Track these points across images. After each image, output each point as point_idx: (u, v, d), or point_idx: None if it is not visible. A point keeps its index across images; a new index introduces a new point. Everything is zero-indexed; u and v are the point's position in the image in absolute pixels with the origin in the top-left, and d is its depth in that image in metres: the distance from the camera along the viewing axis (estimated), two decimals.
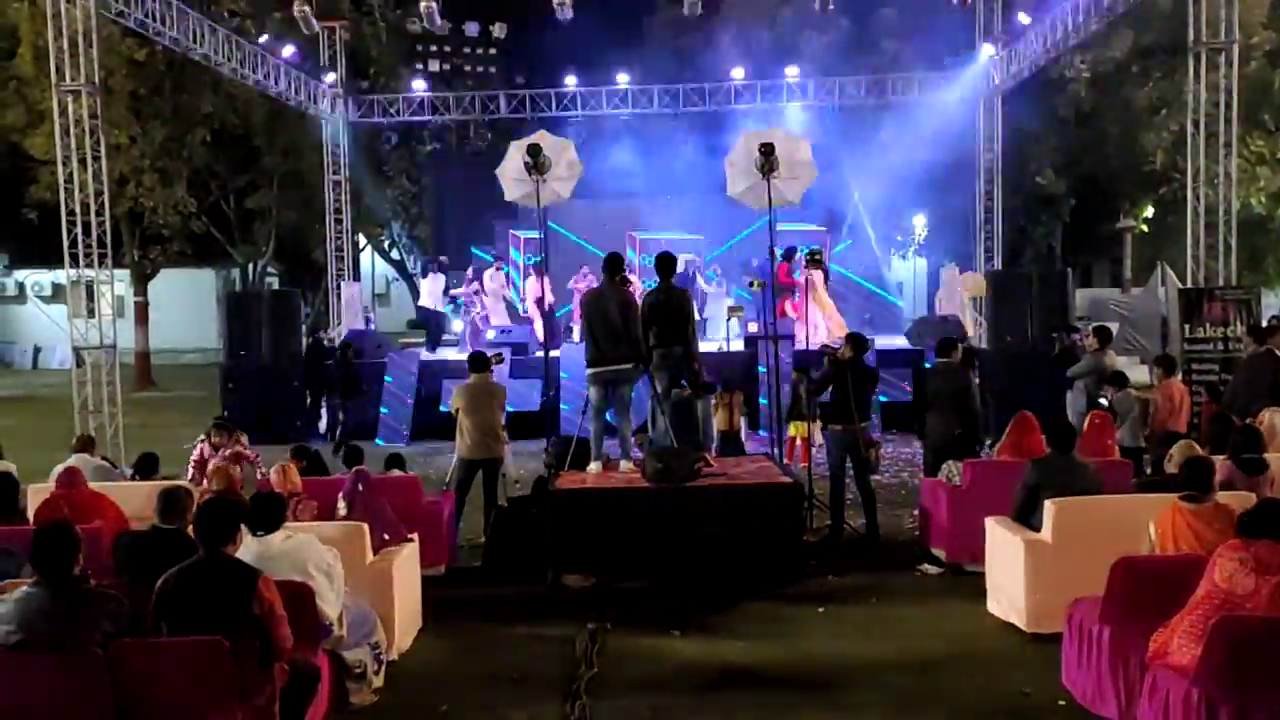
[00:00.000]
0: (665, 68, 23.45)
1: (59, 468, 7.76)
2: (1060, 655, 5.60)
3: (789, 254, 16.53)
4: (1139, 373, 15.25)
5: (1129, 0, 14.64)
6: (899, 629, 6.73)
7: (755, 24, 25.28)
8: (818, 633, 6.68)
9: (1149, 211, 29.08)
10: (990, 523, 7.08)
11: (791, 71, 21.60)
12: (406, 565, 6.68)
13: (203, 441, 9.80)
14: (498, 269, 19.70)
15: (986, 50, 19.79)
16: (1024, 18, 18.48)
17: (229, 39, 17.54)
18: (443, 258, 20.64)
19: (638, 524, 7.74)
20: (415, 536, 7.09)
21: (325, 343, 17.91)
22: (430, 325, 19.22)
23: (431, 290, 19.15)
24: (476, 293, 18.91)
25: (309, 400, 16.41)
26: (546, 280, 15.57)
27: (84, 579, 4.32)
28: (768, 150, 9.37)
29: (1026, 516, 6.73)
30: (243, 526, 4.89)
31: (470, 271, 19.66)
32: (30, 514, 7.06)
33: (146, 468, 8.66)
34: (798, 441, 11.98)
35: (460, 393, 9.26)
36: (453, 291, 19.31)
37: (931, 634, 6.61)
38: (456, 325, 20.39)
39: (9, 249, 35.40)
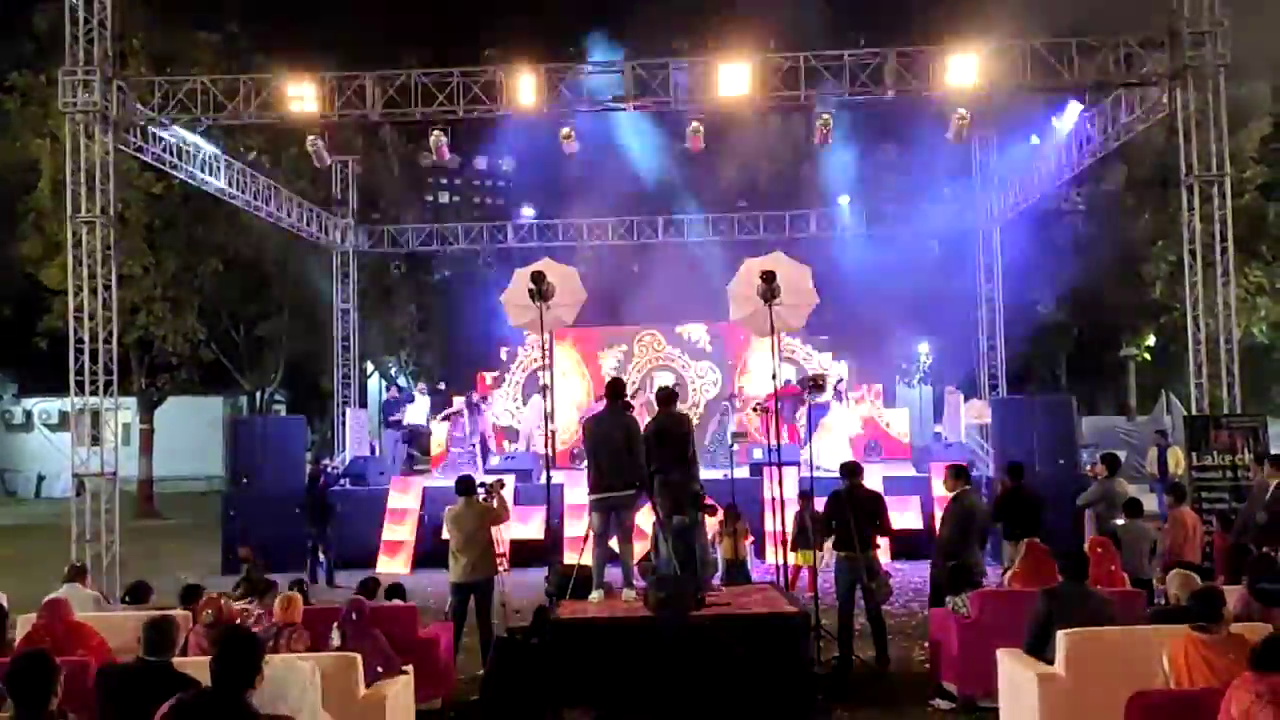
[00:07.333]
0: (670, 200, 23.96)
1: (48, 598, 7.61)
2: None
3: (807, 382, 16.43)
4: (1148, 501, 15.07)
5: (1121, 136, 15.02)
6: None
7: (757, 158, 25.96)
8: None
9: (1151, 339, 29.23)
10: (1002, 655, 6.89)
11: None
12: (400, 698, 6.50)
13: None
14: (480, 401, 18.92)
15: (983, 184, 20.25)
16: (1018, 153, 18.95)
17: (244, 173, 17.96)
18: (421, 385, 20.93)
19: (641, 655, 7.52)
20: (410, 668, 6.91)
21: (330, 470, 17.74)
22: (416, 442, 19.48)
23: (417, 410, 19.67)
24: (458, 414, 18.46)
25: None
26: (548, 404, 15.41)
27: (62, 714, 4.16)
28: (769, 277, 9.45)
29: (1040, 648, 6.54)
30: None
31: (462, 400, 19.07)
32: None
33: (137, 595, 8.49)
34: (803, 570, 11.76)
35: (448, 517, 9.42)
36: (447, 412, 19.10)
37: None
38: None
39: (19, 377, 35.64)
